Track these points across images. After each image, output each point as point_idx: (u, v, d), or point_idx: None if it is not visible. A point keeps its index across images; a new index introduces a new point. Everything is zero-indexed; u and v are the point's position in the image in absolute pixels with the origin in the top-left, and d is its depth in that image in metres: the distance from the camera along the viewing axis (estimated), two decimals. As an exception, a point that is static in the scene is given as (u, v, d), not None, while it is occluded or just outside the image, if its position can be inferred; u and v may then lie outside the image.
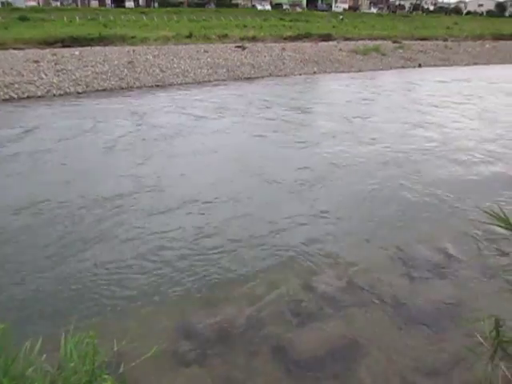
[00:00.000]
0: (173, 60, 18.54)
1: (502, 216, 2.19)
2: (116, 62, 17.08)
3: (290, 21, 40.77)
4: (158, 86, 15.61)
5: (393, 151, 8.42)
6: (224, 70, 18.21)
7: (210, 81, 16.90)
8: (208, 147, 8.44)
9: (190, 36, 25.79)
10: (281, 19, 41.91)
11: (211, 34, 27.25)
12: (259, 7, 57.18)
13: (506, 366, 2.59)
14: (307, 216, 5.63)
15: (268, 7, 58.76)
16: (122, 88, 14.90)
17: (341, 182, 6.86)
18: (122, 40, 23.70)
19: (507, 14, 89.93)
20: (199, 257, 4.64)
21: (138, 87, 15.18)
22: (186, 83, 16.20)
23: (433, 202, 6.12)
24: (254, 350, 3.41)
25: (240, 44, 24.06)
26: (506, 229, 2.22)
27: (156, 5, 53.94)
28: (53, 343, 2.34)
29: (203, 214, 5.64)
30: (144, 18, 36.94)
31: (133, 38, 24.18)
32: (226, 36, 27.08)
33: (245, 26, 33.40)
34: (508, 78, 20.40)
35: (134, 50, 19.81)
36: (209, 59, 19.47)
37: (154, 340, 3.32)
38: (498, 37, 37.78)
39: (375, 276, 4.33)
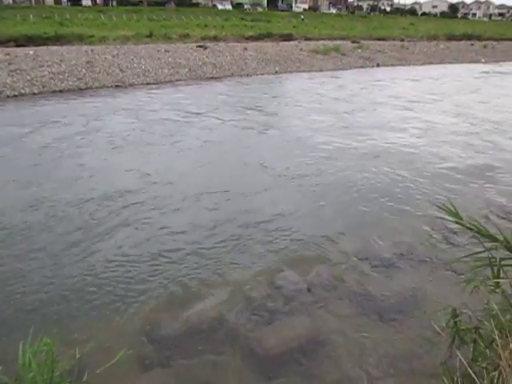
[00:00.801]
0: (133, 60, 18.24)
1: (453, 210, 2.30)
2: (74, 62, 16.62)
3: (252, 21, 40.88)
4: (118, 86, 15.34)
5: (352, 147, 8.61)
6: (186, 70, 18.08)
7: (171, 81, 16.75)
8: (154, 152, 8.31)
9: (150, 35, 25.42)
10: (242, 19, 41.93)
11: (172, 33, 26.95)
12: (220, 7, 57.04)
13: (463, 354, 2.71)
14: (263, 216, 5.68)
15: (229, 7, 58.71)
16: (81, 88, 14.55)
17: (304, 175, 6.96)
18: (80, 39, 23.08)
19: (459, 15, 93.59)
20: (161, 259, 4.61)
21: (97, 87, 14.86)
22: (147, 83, 16.00)
23: (390, 197, 6.30)
24: (222, 350, 3.43)
25: (201, 44, 23.94)
26: (457, 222, 2.33)
27: (114, 3, 52.77)
28: (13, 353, 2.28)
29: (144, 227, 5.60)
30: (102, 16, 36.07)
31: (91, 37, 23.59)
32: (187, 36, 26.87)
33: (206, 26, 33.23)
34: (459, 76, 21.24)
35: (92, 50, 19.35)
36: (170, 59, 19.28)
37: (120, 345, 3.28)
38: (451, 37, 39.27)
39: (336, 272, 4.43)
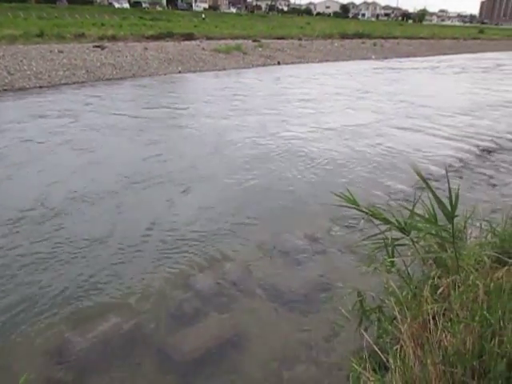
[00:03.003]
0: (22, 61, 16.86)
1: (350, 197, 2.44)
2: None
3: (151, 20, 39.86)
4: (5, 90, 14.09)
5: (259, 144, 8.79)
6: (83, 72, 17.14)
7: (68, 83, 15.77)
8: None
9: (41, 35, 23.63)
10: (141, 18, 40.73)
11: (66, 32, 25.31)
12: (117, 5, 54.94)
13: (370, 333, 2.87)
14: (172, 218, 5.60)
15: (126, 5, 56.78)
16: (-39, 93, 13.16)
17: (210, 174, 6.96)
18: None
19: (350, 15, 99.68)
20: (66, 266, 4.32)
21: (-19, 92, 13.55)
22: (40, 86, 14.90)
23: (293, 191, 6.53)
24: (137, 361, 3.30)
25: (99, 44, 22.83)
26: (355, 208, 2.48)
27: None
28: None
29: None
30: (-17, 14, 32.93)
31: (-30, 37, 21.42)
32: (82, 35, 25.42)
33: (103, 25, 31.72)
34: (356, 71, 22.66)
35: (-28, 51, 17.57)
36: (65, 60, 18.13)
37: (24, 367, 3.04)
38: (344, 36, 41.70)
39: (247, 267, 4.47)
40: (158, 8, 58.62)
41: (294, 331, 3.56)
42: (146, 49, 22.64)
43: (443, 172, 7.43)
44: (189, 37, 30.07)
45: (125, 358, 3.32)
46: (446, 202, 2.15)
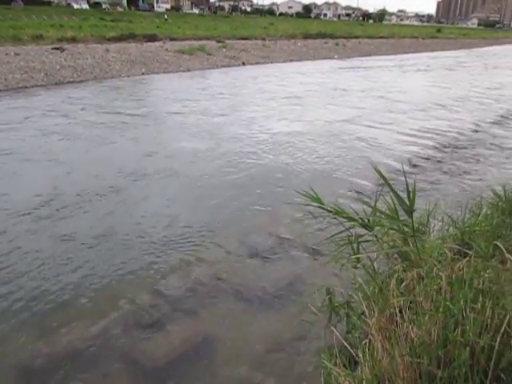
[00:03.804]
0: (-26, 65, 16.22)
1: (315, 196, 2.47)
2: None
3: (112, 21, 39.14)
4: (-43, 94, 13.53)
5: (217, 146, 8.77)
6: (42, 75, 16.61)
7: (26, 87, 15.25)
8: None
9: (-5, 37, 22.84)
10: (101, 19, 39.93)
11: (22, 34, 24.49)
12: (76, 6, 53.69)
13: (340, 329, 2.91)
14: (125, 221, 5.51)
15: (85, 6, 55.57)
16: None
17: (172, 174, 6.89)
18: None
19: (312, 15, 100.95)
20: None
21: None
22: (-5, 90, 14.37)
23: (259, 190, 6.55)
24: (106, 372, 3.22)
25: (58, 46, 22.22)
26: (319, 207, 2.51)
27: None
28: None
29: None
30: None
31: None
32: (40, 37, 24.66)
33: (62, 26, 30.89)
34: (318, 70, 22.97)
35: None
36: (22, 63, 17.54)
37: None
38: (307, 36, 42.20)
39: (216, 269, 4.44)
40: (119, 9, 57.66)
41: (264, 331, 3.56)
42: (107, 50, 22.19)
43: (411, 167, 7.66)
44: (152, 38, 29.68)
45: (91, 368, 3.23)
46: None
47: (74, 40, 25.31)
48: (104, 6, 57.68)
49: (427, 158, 8.44)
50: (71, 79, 16.97)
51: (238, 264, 4.58)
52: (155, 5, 69.22)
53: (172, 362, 3.29)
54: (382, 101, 15.00)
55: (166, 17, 48.36)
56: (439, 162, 8.30)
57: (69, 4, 55.65)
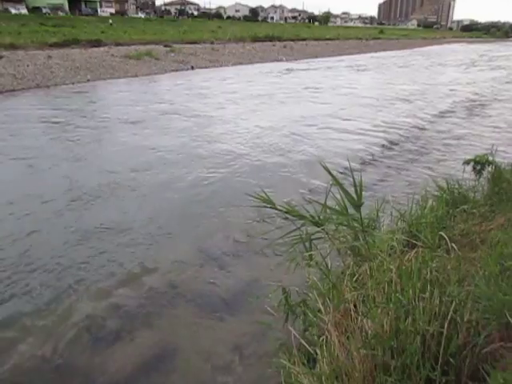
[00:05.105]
0: None
1: (266, 197, 2.47)
2: None
3: (54, 26, 37.61)
4: None
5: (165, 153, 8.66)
6: (-23, 84, 15.79)
7: (-41, 96, 14.45)
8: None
9: None
10: (42, 24, 38.27)
11: (-47, 41, 23.17)
12: (13, 11, 51.27)
13: (297, 328, 2.92)
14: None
15: (24, 11, 53.16)
16: None
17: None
18: None
19: (260, 18, 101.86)
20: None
21: None
22: None
23: (213, 195, 6.52)
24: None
25: (-6, 53, 21.17)
26: (272, 208, 2.52)
27: None
28: None
29: None
30: None
31: None
32: (-26, 44, 23.40)
33: (-1, 32, 29.47)
34: (263, 71, 23.20)
35: None
36: (-46, 71, 16.62)
37: None
38: (256, 39, 42.49)
39: (172, 277, 4.36)
40: (61, 13, 55.52)
41: (223, 336, 3.52)
42: (49, 57, 21.37)
43: (360, 165, 7.87)
44: (97, 43, 28.87)
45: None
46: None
47: (12, 47, 24.12)
48: (44, 11, 55.27)
49: (376, 154, 8.70)
50: (11, 87, 16.21)
51: (193, 271, 4.51)
52: (99, 9, 67.26)
53: (130, 375, 3.20)
54: (342, 98, 15.36)
55: (110, 21, 47.15)
56: (388, 157, 8.58)
57: (6, 9, 53.01)
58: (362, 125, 11.40)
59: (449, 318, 2.04)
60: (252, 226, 5.33)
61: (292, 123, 11.48)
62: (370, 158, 8.53)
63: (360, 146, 9.30)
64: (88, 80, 18.92)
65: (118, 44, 29.92)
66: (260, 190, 2.58)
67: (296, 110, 13.62)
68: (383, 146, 9.45)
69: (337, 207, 2.44)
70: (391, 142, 9.75)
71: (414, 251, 2.77)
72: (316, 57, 36.43)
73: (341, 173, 6.86)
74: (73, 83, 18.08)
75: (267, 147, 9.12)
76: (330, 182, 2.61)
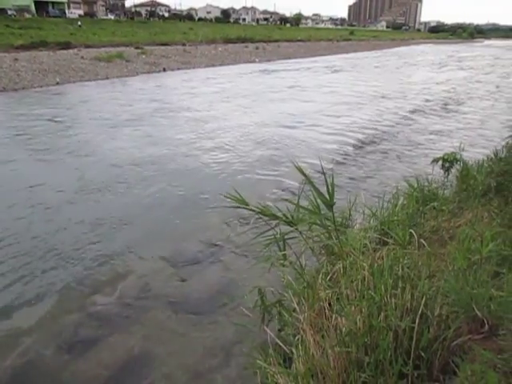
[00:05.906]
0: None
1: (239, 197, 2.47)
2: None
3: (20, 28, 36.63)
4: None
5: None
6: None
7: None
8: None
9: None
10: (8, 26, 37.19)
11: None
12: (-23, 13, 49.71)
13: (272, 329, 2.93)
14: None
15: (-12, 13, 51.56)
16: None
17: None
18: None
19: (231, 19, 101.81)
20: None
21: None
22: None
23: (185, 198, 6.48)
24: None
25: (-42, 56, 20.49)
26: (245, 208, 2.52)
27: None
28: None
29: None
30: None
31: None
32: None
33: (-40, 35, 28.52)
34: (239, 72, 23.20)
35: None
36: None
37: None
38: (228, 40, 42.49)
39: (147, 281, 4.30)
40: (27, 15, 54.07)
41: (200, 340, 3.49)
42: (16, 60, 20.81)
43: (334, 165, 7.96)
44: (65, 45, 28.25)
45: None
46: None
47: (-24, 50, 23.46)
48: (10, 13, 53.74)
49: (349, 154, 8.82)
50: (-25, 91, 15.73)
51: (169, 274, 4.46)
52: (67, 11, 65.71)
53: (103, 382, 3.14)
54: (327, 96, 15.49)
55: (79, 23, 46.25)
56: (361, 156, 8.70)
57: (-31, 11, 51.37)
58: (345, 121, 11.84)
59: (420, 312, 2.08)
60: (227, 227, 5.32)
61: (283, 119, 11.79)
62: (346, 156, 8.66)
63: (337, 146, 9.43)
64: (57, 83, 18.50)
65: (87, 46, 29.38)
66: (234, 190, 2.58)
67: (285, 107, 13.97)
68: (362, 144, 9.66)
69: (310, 207, 2.45)
70: (368, 140, 9.95)
71: (386, 249, 2.82)
72: (289, 58, 36.66)
73: (318, 172, 6.92)
74: (41, 86, 17.64)
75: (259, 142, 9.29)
76: (304, 182, 2.62)
